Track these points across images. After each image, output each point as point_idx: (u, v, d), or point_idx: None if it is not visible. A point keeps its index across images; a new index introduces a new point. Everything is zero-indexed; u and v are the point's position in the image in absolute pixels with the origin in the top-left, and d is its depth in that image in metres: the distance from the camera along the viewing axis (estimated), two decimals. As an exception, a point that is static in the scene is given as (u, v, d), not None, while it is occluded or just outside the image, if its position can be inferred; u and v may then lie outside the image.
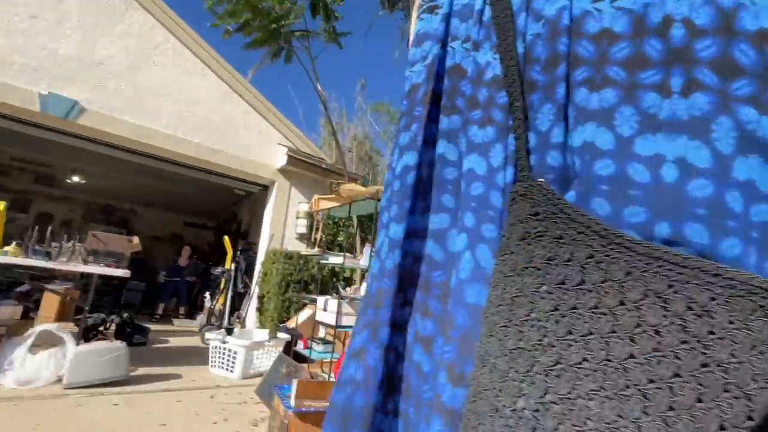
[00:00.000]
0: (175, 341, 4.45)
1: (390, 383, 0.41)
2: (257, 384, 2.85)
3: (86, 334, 3.31)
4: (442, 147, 0.42)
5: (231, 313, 4.87)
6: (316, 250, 3.33)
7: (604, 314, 0.26)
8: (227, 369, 3.20)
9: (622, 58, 0.32)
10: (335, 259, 2.91)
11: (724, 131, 0.27)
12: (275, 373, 2.69)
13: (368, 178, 10.44)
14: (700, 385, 0.23)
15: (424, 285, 0.41)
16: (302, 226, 5.34)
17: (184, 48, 4.85)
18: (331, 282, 5.09)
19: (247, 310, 4.87)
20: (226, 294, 4.89)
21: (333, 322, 2.55)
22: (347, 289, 3.36)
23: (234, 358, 3.18)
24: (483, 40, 0.41)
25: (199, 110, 4.90)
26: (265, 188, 5.66)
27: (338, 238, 5.54)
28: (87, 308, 2.95)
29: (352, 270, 5.16)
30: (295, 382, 2.05)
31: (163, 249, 8.59)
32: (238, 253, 5.22)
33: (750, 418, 0.21)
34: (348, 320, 2.58)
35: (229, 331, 3.80)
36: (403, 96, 0.47)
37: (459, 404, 0.32)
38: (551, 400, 0.24)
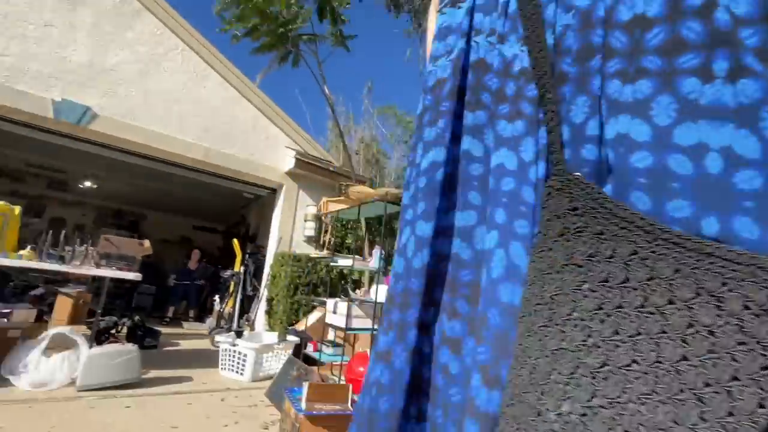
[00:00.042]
0: (185, 344, 4.48)
1: (414, 386, 0.39)
2: (267, 387, 2.84)
3: (98, 337, 3.35)
4: (467, 143, 0.41)
5: (240, 316, 4.89)
6: (325, 252, 3.33)
7: (652, 314, 0.24)
8: (237, 372, 3.21)
9: (657, 44, 0.30)
10: (344, 262, 2.90)
11: None
12: (285, 375, 2.69)
13: (375, 180, 10.45)
14: (761, 389, 0.21)
15: (450, 285, 0.40)
16: (310, 228, 5.35)
17: (193, 53, 4.90)
18: (339, 284, 5.09)
19: (256, 312, 4.89)
20: (236, 297, 4.91)
21: (343, 325, 2.54)
22: (357, 291, 3.35)
23: (244, 360, 3.19)
24: (509, 32, 0.40)
25: (208, 115, 4.95)
26: (274, 191, 5.69)
27: (346, 241, 5.54)
28: (99, 311, 2.98)
29: (361, 272, 5.16)
30: (305, 385, 2.04)
31: (173, 253, 8.67)
32: (247, 256, 5.25)
33: None
34: (358, 323, 2.57)
35: (239, 334, 3.81)
36: (425, 90, 0.46)
37: (495, 408, 0.31)
38: (599, 404, 0.23)
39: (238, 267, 5.05)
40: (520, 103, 0.37)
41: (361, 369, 2.45)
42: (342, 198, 2.77)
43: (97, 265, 2.90)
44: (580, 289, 0.27)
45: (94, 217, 8.66)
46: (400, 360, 0.38)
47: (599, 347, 0.25)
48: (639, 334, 0.24)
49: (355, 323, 2.55)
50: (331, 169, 5.61)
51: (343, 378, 2.64)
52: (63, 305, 4.30)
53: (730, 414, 0.21)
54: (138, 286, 6.69)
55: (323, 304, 3.53)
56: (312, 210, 5.39)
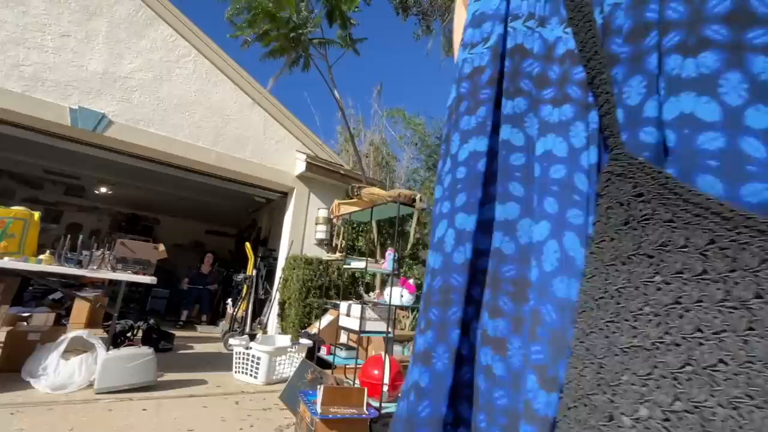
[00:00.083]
0: (198, 347, 4.51)
1: (452, 390, 0.37)
2: (281, 390, 2.84)
3: (115, 340, 3.39)
4: (506, 132, 0.39)
5: (252, 320, 4.91)
6: (338, 255, 3.32)
7: (737, 309, 0.22)
8: (251, 375, 3.21)
9: (722, 12, 0.28)
10: (358, 264, 2.89)
11: None
12: (300, 379, 2.67)
13: (385, 183, 10.44)
14: None
15: (492, 282, 0.37)
16: (321, 231, 5.36)
17: (205, 59, 4.97)
18: (351, 287, 5.08)
19: (268, 316, 4.90)
20: (248, 300, 4.93)
21: (356, 328, 2.52)
22: (370, 293, 3.33)
23: (258, 364, 3.19)
24: (549, 15, 0.38)
25: (220, 120, 5.00)
26: (285, 195, 5.72)
27: (357, 243, 5.53)
28: (116, 315, 3.02)
29: (372, 275, 5.14)
30: (321, 389, 2.03)
31: (186, 257, 8.78)
32: (259, 259, 5.27)
33: None
34: (371, 325, 2.55)
35: (252, 337, 3.82)
36: (460, 79, 0.44)
37: (555, 412, 0.29)
38: (684, 409, 0.21)
39: (250, 270, 5.08)
40: (567, 86, 0.34)
41: (376, 372, 2.43)
42: (354, 200, 2.76)
43: (114, 269, 2.94)
44: (652, 282, 0.24)
45: (109, 222, 8.83)
46: (442, 362, 0.36)
47: (679, 345, 0.22)
48: (724, 331, 0.22)
49: (369, 326, 2.53)
50: (341, 172, 5.62)
51: (357, 381, 2.62)
52: (80, 309, 4.37)
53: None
54: (152, 290, 6.79)
55: (336, 307, 3.52)
56: (323, 213, 5.40)
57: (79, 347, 2.64)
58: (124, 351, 2.67)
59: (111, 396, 2.44)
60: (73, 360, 2.52)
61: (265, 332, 4.67)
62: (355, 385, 2.53)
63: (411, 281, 2.57)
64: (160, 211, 9.21)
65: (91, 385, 2.49)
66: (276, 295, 4.94)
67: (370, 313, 2.56)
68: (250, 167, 5.11)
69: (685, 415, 0.21)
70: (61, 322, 4.15)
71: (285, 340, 3.59)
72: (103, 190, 7.60)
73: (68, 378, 2.45)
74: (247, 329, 4.69)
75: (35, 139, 4.20)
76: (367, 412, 2.05)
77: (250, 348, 3.25)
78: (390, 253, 2.65)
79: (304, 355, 3.35)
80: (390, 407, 2.35)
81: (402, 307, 3.51)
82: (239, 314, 4.90)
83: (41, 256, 2.69)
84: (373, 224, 4.82)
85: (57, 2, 4.08)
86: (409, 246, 5.25)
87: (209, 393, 2.79)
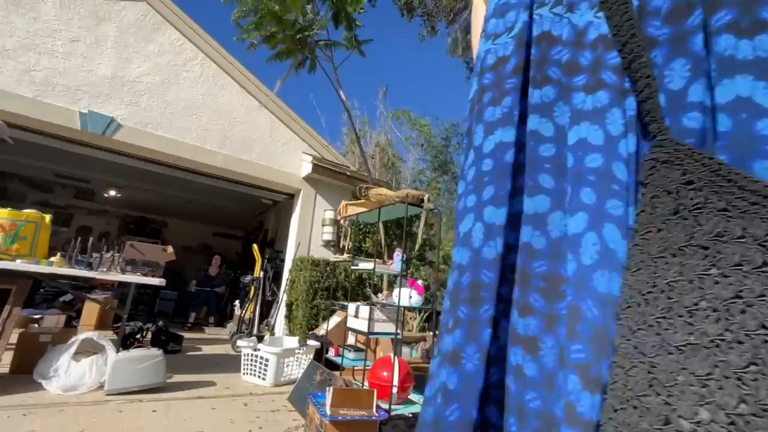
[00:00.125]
0: (207, 349, 4.52)
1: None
2: (289, 391, 2.83)
3: (124, 342, 3.41)
4: (534, 122, 0.37)
5: (260, 321, 4.91)
6: (345, 256, 3.31)
7: (804, 303, 0.20)
8: (259, 376, 3.21)
9: None
10: (365, 265, 2.88)
11: None
12: (308, 380, 2.67)
13: (391, 184, 10.44)
14: None
15: (522, 278, 0.35)
16: (328, 233, 5.36)
17: (212, 62, 5.01)
18: (358, 289, 5.07)
19: (275, 317, 4.91)
20: (256, 302, 4.94)
21: (365, 329, 2.50)
22: (378, 295, 3.32)
23: (266, 365, 3.18)
24: (579, 0, 0.36)
25: (226, 122, 5.03)
26: (291, 197, 5.74)
27: (364, 245, 5.52)
28: (125, 317, 3.03)
29: (379, 276, 5.12)
30: (330, 390, 2.02)
31: (193, 259, 8.84)
32: (266, 261, 5.28)
33: None
34: (380, 327, 2.53)
35: (260, 339, 3.82)
36: (482, 70, 0.43)
37: (599, 414, 0.27)
38: (752, 412, 0.19)
39: (258, 272, 5.09)
40: (601, 72, 0.33)
41: (385, 374, 2.41)
42: (362, 201, 2.75)
43: (123, 271, 2.96)
44: (707, 275, 0.22)
45: (118, 225, 8.92)
46: (473, 363, 0.34)
47: (742, 343, 0.21)
48: (792, 327, 0.20)
49: (378, 327, 2.52)
50: (347, 173, 5.63)
51: (366, 383, 2.61)
52: (90, 311, 4.40)
53: None
54: (160, 293, 6.84)
55: (343, 308, 3.51)
56: (329, 214, 5.41)
57: (89, 349, 2.66)
58: (134, 353, 2.68)
59: (121, 397, 2.45)
60: (84, 361, 2.53)
61: (272, 334, 4.67)
62: (364, 387, 2.51)
63: (420, 282, 2.55)
64: (168, 214, 9.29)
65: (101, 386, 2.50)
66: (283, 297, 4.94)
67: (378, 314, 2.54)
68: (257, 169, 5.13)
69: (753, 419, 0.19)
70: (71, 324, 4.19)
71: (293, 342, 3.58)
72: (112, 193, 7.68)
73: (79, 379, 2.47)
74: (255, 331, 4.70)
75: (46, 143, 4.26)
76: (376, 414, 2.03)
77: (258, 350, 3.25)
78: (398, 254, 2.64)
79: (311, 356, 3.34)
80: (399, 409, 2.33)
81: (409, 309, 3.49)
82: (247, 316, 4.91)
83: (52, 259, 2.71)
84: (380, 226, 4.80)
85: (67, 8, 4.14)
86: (417, 247, 5.23)
87: (218, 395, 2.79)
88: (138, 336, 3.79)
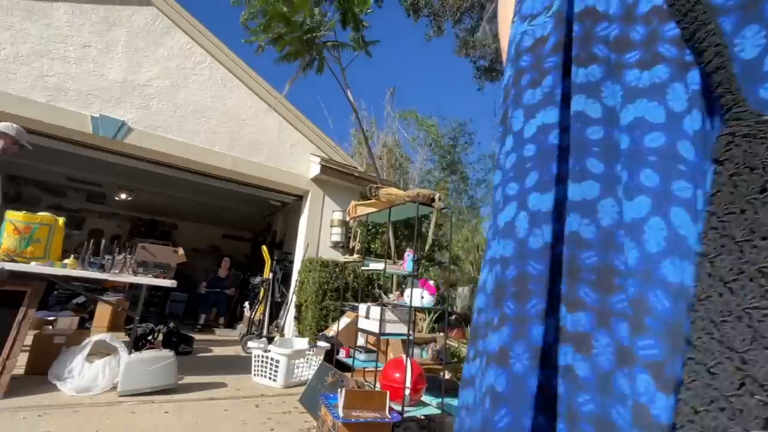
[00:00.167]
0: (217, 350, 4.54)
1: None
2: (300, 393, 2.82)
3: (136, 344, 3.43)
4: (579, 103, 0.35)
5: (269, 323, 4.92)
6: (355, 257, 3.30)
7: None
8: (270, 378, 3.20)
9: None
10: (376, 266, 2.85)
11: None
12: (319, 381, 2.65)
13: (399, 184, 10.42)
14: None
15: (569, 270, 0.32)
16: (336, 234, 5.36)
17: (220, 65, 5.05)
18: (367, 290, 5.05)
19: (285, 319, 4.91)
20: (266, 303, 4.95)
21: (376, 330, 2.48)
22: (389, 295, 3.29)
23: (276, 367, 3.18)
24: None
25: (235, 125, 5.06)
26: (299, 198, 5.75)
27: (373, 245, 5.51)
28: (137, 318, 3.05)
29: (387, 277, 5.10)
30: (342, 392, 2.00)
31: (203, 261, 8.90)
32: (274, 263, 5.29)
33: None
34: (392, 328, 2.50)
35: (270, 340, 3.82)
36: (518, 53, 0.40)
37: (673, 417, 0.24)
38: None
39: (267, 273, 5.10)
40: (658, 45, 0.30)
41: (397, 375, 2.38)
42: (372, 201, 2.73)
43: (135, 273, 2.98)
44: (806, 260, 0.20)
45: (129, 228, 9.03)
46: (521, 363, 0.31)
47: None
48: None
49: (389, 328, 2.49)
50: (355, 174, 5.62)
51: (377, 384, 2.58)
52: (102, 313, 4.45)
53: None
54: (170, 294, 6.89)
55: (353, 309, 3.49)
56: (338, 215, 5.40)
57: (102, 350, 2.68)
58: (146, 354, 2.69)
59: (134, 398, 2.46)
60: (97, 363, 2.55)
61: (282, 335, 4.67)
62: (376, 389, 2.49)
63: (431, 282, 2.52)
64: (177, 217, 9.38)
65: (114, 387, 2.51)
66: (292, 298, 4.94)
67: (389, 315, 2.52)
68: (266, 171, 5.15)
69: None
70: (84, 326, 4.23)
71: (303, 343, 3.58)
72: (123, 196, 7.78)
73: (92, 381, 2.48)
74: (265, 332, 4.70)
75: (59, 147, 4.32)
76: (389, 416, 2.01)
77: (269, 351, 3.25)
78: (409, 254, 2.61)
79: (321, 357, 3.33)
80: (412, 411, 2.30)
81: (420, 309, 3.46)
82: (256, 317, 4.92)
83: (66, 261, 2.74)
84: (389, 226, 4.78)
85: (79, 14, 4.20)
86: (427, 247, 5.19)
87: (229, 396, 2.79)
88: (149, 337, 3.81)
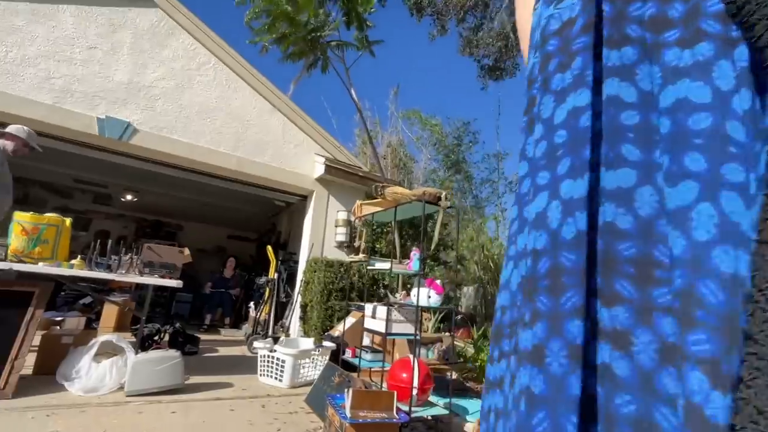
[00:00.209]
0: (223, 350, 4.54)
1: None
2: (306, 393, 2.81)
3: (143, 344, 3.44)
4: (613, 87, 0.33)
5: (275, 323, 4.92)
6: (360, 256, 3.28)
7: None
8: (276, 378, 3.20)
9: None
10: (382, 265, 2.84)
11: None
12: (326, 382, 2.64)
13: (403, 183, 10.40)
14: None
15: (604, 262, 0.31)
16: (341, 234, 5.35)
17: (225, 66, 5.06)
18: (372, 289, 5.03)
19: (290, 319, 4.91)
20: (271, 303, 4.95)
21: (382, 330, 2.46)
22: (396, 295, 3.27)
23: (282, 367, 3.17)
24: None
25: (240, 125, 5.07)
26: (304, 198, 5.75)
27: (378, 245, 5.49)
28: (144, 318, 3.06)
29: (392, 277, 5.08)
30: (350, 392, 1.98)
31: (208, 261, 8.93)
32: (279, 263, 5.30)
33: None
34: (398, 327, 2.49)
35: (276, 340, 3.81)
36: (544, 39, 0.38)
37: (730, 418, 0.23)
38: None
39: (272, 273, 5.10)
40: (700, 21, 0.28)
41: (404, 375, 2.36)
42: (378, 200, 2.72)
43: (141, 273, 2.98)
44: None
45: (135, 229, 9.08)
46: (559, 361, 0.29)
47: None
48: None
49: (395, 328, 2.47)
50: (360, 174, 5.61)
51: (384, 385, 2.56)
52: (109, 313, 4.47)
53: None
54: (176, 295, 6.92)
55: (359, 309, 3.48)
56: (342, 215, 5.39)
57: (109, 350, 2.68)
58: (153, 354, 2.70)
59: (141, 398, 2.46)
60: (104, 363, 2.56)
61: (287, 335, 4.67)
62: (383, 389, 2.47)
63: (438, 282, 2.50)
64: (183, 217, 9.42)
65: (121, 387, 2.52)
66: (297, 298, 4.94)
67: (396, 314, 2.50)
68: (270, 171, 5.15)
69: None
70: (91, 326, 4.26)
71: (308, 343, 3.57)
72: (129, 197, 7.83)
73: (100, 381, 2.49)
74: (270, 332, 4.70)
75: (65, 148, 4.35)
76: (397, 417, 1.99)
77: (275, 351, 3.24)
78: (415, 253, 2.59)
79: (327, 358, 3.32)
80: (419, 411, 2.29)
81: (426, 309, 3.44)
82: (262, 317, 4.93)
83: (73, 261, 2.75)
84: (394, 225, 4.77)
85: (85, 17, 4.22)
86: (433, 246, 5.18)
87: (236, 396, 2.78)
88: (156, 338, 3.82)
